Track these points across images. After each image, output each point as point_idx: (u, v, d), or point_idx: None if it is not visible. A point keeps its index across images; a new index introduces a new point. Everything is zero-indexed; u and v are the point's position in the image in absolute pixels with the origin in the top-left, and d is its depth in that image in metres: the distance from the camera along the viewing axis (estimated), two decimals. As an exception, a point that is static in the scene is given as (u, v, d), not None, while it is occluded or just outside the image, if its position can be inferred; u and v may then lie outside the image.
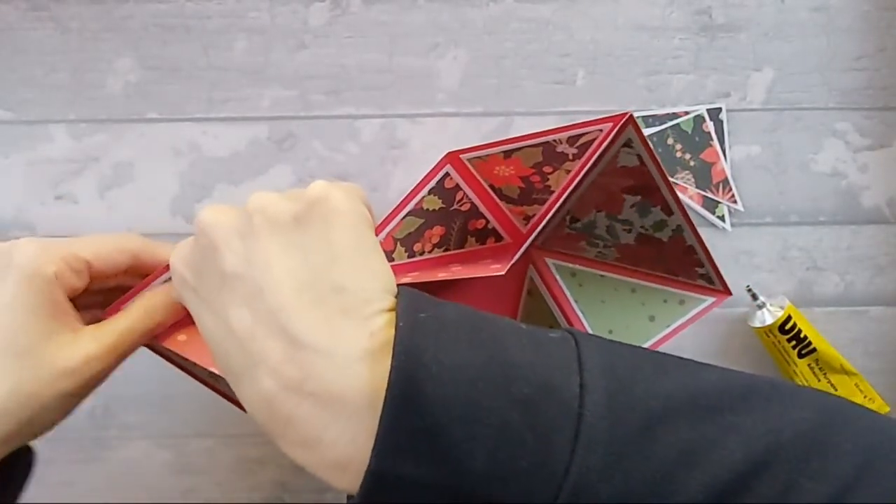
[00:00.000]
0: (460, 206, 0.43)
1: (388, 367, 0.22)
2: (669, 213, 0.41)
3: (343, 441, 0.23)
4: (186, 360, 0.35)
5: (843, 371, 0.50)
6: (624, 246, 0.45)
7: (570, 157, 0.39)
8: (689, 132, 0.53)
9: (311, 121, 0.52)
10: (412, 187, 0.40)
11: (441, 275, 0.38)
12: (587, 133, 0.37)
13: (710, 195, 0.53)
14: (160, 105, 0.51)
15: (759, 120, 0.53)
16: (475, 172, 0.42)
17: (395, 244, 0.41)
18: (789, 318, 0.49)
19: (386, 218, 0.40)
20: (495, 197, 0.44)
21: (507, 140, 0.39)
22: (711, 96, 0.53)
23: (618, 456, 0.22)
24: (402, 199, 0.40)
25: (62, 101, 0.51)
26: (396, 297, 0.25)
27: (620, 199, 0.42)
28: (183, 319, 0.34)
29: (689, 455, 0.23)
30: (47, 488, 0.51)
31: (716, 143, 0.53)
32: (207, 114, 0.52)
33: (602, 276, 0.46)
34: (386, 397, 0.22)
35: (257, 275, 0.24)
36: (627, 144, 0.37)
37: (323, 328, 0.23)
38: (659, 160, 0.38)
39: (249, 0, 0.51)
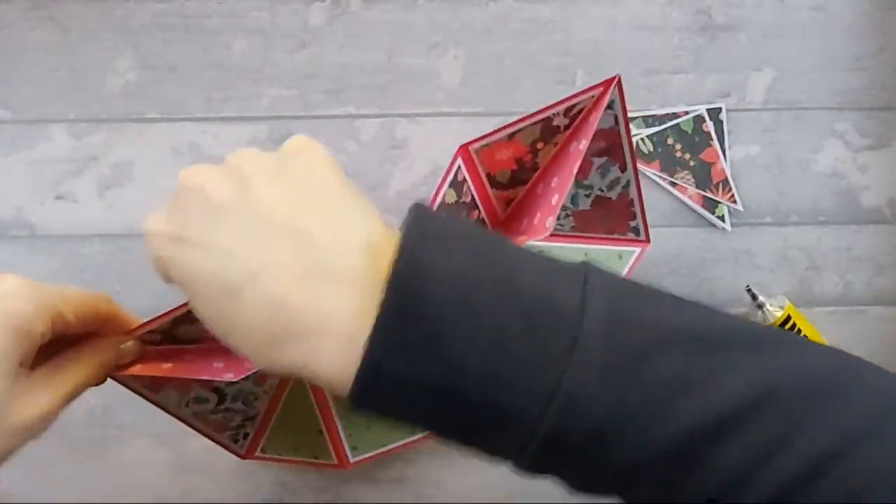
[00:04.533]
0: (465, 198, 0.44)
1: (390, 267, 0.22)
2: (624, 168, 0.44)
3: (349, 322, 0.23)
4: (171, 384, 0.36)
5: (843, 371, 0.50)
6: (580, 212, 0.46)
7: (562, 128, 0.41)
8: (689, 132, 0.53)
9: (310, 120, 0.52)
10: (437, 184, 0.41)
11: None
12: (580, 102, 0.40)
13: (709, 195, 0.53)
14: (160, 105, 0.51)
15: (759, 120, 0.53)
16: (478, 163, 0.43)
17: None
18: (789, 317, 0.49)
19: None
20: (487, 184, 0.45)
21: (511, 123, 0.40)
22: (711, 96, 0.53)
23: (611, 375, 0.22)
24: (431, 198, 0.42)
25: (62, 101, 0.51)
26: (409, 209, 0.25)
27: (590, 163, 0.44)
28: (158, 355, 0.35)
29: (684, 383, 0.23)
30: (47, 488, 0.51)
31: (716, 143, 0.53)
32: (207, 113, 0.52)
33: (560, 247, 0.49)
34: (385, 291, 0.22)
35: (249, 200, 0.25)
36: (610, 106, 0.40)
37: (326, 228, 0.24)
38: (628, 116, 0.41)
39: (249, 0, 0.52)
